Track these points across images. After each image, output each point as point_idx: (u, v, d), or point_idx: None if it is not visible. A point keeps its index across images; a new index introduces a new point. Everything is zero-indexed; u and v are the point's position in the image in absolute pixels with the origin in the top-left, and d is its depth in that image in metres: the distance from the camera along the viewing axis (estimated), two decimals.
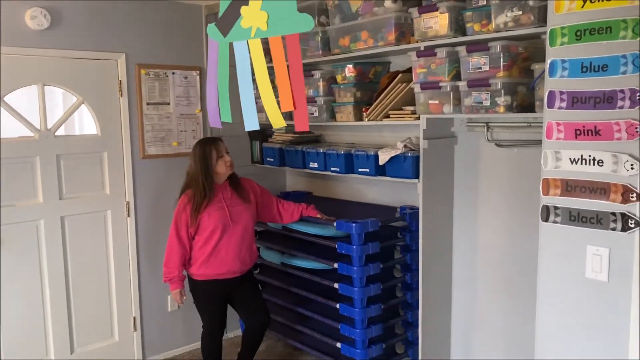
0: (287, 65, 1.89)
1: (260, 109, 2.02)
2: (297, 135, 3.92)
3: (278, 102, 1.92)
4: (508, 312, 3.05)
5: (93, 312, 3.57)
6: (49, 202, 3.32)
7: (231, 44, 1.99)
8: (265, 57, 1.99)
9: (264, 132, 4.12)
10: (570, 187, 1.88)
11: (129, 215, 3.65)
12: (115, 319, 3.67)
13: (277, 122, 1.97)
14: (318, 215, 3.28)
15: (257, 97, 2.02)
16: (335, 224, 3.14)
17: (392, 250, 3.40)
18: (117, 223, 3.61)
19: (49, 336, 3.39)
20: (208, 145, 3.04)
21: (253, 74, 1.95)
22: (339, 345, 3.25)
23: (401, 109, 3.06)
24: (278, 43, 1.86)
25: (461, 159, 3.16)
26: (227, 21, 1.89)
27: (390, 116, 3.10)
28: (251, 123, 1.98)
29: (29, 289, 3.30)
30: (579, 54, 1.81)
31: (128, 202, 3.63)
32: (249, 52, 1.94)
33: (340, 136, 3.93)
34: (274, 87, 1.97)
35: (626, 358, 1.80)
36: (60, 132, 3.41)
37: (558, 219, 1.92)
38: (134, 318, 3.74)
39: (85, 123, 3.76)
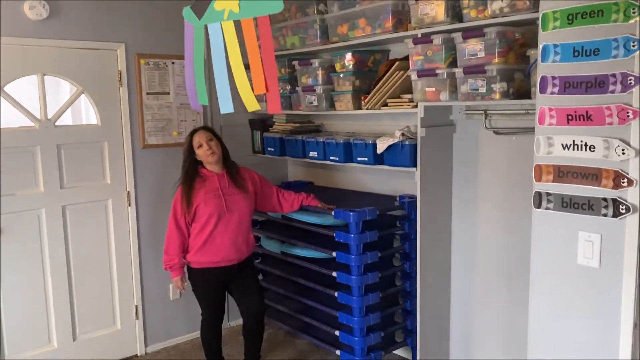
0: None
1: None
2: (298, 124, 3.91)
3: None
4: (507, 299, 3.04)
5: (95, 300, 3.60)
6: (50, 191, 3.34)
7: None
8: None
9: (265, 121, 4.12)
10: (562, 173, 1.87)
11: (129, 204, 3.66)
12: (117, 307, 3.70)
13: (251, 105, 1.97)
14: (319, 205, 3.28)
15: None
16: (333, 212, 3.14)
17: (392, 239, 3.40)
18: (118, 212, 3.63)
19: (51, 324, 3.43)
20: (189, 136, 3.16)
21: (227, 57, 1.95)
22: (337, 333, 3.26)
23: (399, 97, 3.05)
24: (250, 26, 1.86)
25: (460, 147, 3.14)
26: (202, 4, 1.88)
27: (389, 104, 3.08)
28: (226, 106, 1.98)
29: (31, 278, 3.33)
30: (571, 38, 1.80)
31: (129, 192, 3.65)
32: (223, 35, 1.94)
33: (340, 125, 3.92)
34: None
35: (617, 342, 1.79)
36: (68, 121, 3.41)
37: (550, 205, 1.91)
38: (136, 306, 3.76)
39: (91, 113, 3.77)
